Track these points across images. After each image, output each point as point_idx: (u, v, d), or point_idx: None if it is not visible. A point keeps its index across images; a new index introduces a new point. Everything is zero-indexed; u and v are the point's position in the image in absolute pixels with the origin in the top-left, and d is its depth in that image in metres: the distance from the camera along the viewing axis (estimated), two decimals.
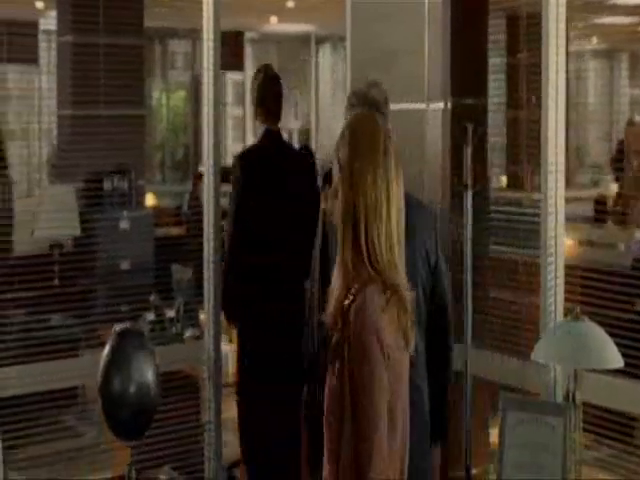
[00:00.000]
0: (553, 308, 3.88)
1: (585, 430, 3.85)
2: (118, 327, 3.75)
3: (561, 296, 3.88)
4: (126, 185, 7.13)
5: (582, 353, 3.41)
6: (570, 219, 6.36)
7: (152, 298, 5.35)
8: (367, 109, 3.34)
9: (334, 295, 2.57)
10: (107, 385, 3.67)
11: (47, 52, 8.21)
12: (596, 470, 4.36)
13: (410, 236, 2.93)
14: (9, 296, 4.83)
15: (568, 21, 6.83)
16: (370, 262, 2.53)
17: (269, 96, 4.37)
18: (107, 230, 6.38)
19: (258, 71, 4.50)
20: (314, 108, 13.06)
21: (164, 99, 11.93)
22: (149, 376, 3.69)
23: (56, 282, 5.57)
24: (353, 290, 2.55)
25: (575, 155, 9.70)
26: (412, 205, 3.20)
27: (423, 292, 3.43)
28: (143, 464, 4.42)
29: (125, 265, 6.24)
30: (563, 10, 3.84)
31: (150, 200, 8.34)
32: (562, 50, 3.83)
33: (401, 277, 2.57)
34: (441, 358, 3.54)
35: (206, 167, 4.23)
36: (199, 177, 7.11)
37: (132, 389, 3.65)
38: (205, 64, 4.19)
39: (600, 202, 6.29)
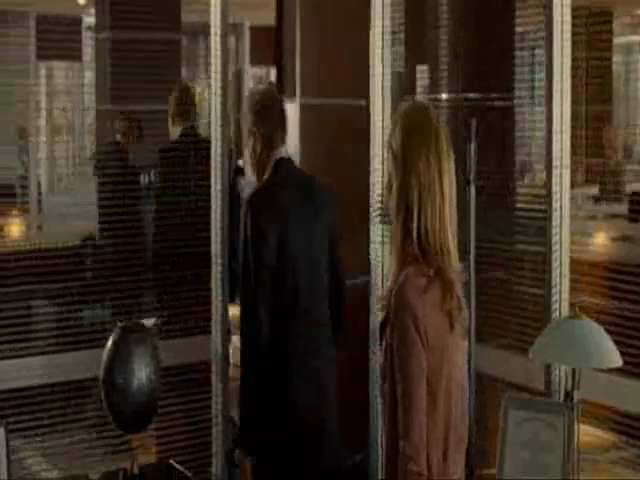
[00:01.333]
0: (558, 305, 3.83)
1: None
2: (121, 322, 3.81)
3: (566, 293, 3.84)
4: None
5: (580, 352, 3.37)
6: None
7: None
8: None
9: (389, 279, 2.68)
10: (109, 378, 3.72)
11: (90, 49, 8.29)
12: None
13: (317, 216, 3.83)
14: (44, 287, 4.87)
15: (611, 14, 6.72)
16: (419, 243, 2.59)
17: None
18: (144, 224, 6.39)
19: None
20: None
21: (206, 94, 11.95)
22: (151, 370, 3.73)
23: (90, 274, 5.62)
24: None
25: (622, 152, 9.48)
26: (317, 188, 3.97)
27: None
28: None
29: None
30: (568, 2, 3.77)
31: None
32: (567, 44, 3.77)
33: (451, 260, 2.63)
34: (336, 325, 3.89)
35: (213, 162, 4.24)
36: (237, 171, 7.15)
37: (134, 383, 3.70)
38: (213, 59, 4.21)
39: (635, 200, 6.17)
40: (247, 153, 3.87)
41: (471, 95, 5.10)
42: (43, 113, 8.19)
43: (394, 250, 2.69)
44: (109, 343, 3.73)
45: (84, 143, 8.83)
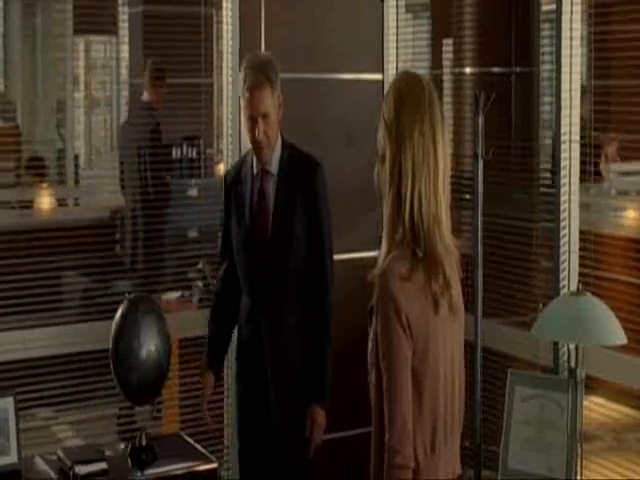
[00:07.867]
0: (566, 282, 3.79)
1: None
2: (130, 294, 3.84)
3: (575, 270, 3.79)
4: (195, 153, 7.17)
5: (583, 329, 3.31)
6: None
7: (200, 265, 5.41)
8: (260, 75, 3.53)
9: (380, 257, 2.59)
10: (117, 350, 3.75)
11: (125, 23, 8.34)
12: None
13: None
14: (71, 257, 4.91)
15: None
16: (412, 214, 2.52)
17: None
18: (173, 197, 6.42)
19: None
20: None
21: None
22: (159, 342, 3.76)
23: (117, 248, 5.68)
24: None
25: None
26: None
27: None
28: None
29: (191, 233, 6.29)
30: None
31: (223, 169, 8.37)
32: (577, 17, 3.71)
33: (443, 234, 2.55)
34: None
35: (225, 142, 4.24)
36: None
37: (142, 354, 3.72)
38: (224, 40, 4.20)
39: None
40: None
41: (495, 70, 5.07)
42: (81, 87, 8.25)
43: (385, 227, 2.60)
44: (117, 315, 3.76)
45: (121, 116, 8.90)
